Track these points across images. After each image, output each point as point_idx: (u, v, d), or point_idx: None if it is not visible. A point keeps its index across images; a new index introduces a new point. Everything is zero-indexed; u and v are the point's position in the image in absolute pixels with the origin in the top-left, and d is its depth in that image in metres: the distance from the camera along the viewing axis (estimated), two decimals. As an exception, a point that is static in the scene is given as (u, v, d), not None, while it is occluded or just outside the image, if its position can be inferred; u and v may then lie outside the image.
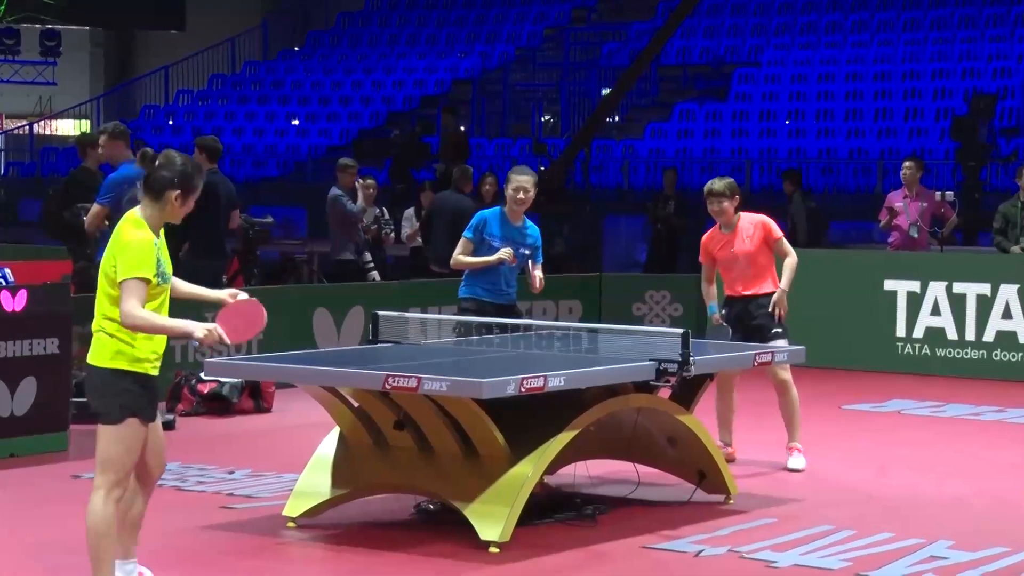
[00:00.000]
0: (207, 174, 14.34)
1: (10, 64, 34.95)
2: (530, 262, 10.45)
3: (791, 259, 10.79)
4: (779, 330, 10.63)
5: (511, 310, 10.58)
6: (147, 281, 6.56)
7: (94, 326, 6.72)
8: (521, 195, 10.37)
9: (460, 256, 10.49)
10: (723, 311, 10.82)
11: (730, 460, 10.69)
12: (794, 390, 10.69)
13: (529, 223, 10.61)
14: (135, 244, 6.61)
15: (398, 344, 9.66)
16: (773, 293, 10.70)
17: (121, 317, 6.54)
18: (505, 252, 10.27)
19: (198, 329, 6.61)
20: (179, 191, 6.72)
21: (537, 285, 10.45)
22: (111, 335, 6.63)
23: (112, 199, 12.47)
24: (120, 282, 6.56)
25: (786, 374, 10.64)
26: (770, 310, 10.62)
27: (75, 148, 18.04)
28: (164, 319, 6.67)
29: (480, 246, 10.38)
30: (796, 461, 10.63)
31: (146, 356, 6.68)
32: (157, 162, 6.82)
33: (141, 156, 6.72)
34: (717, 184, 10.75)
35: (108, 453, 6.68)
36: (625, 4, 32.21)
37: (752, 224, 10.73)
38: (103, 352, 6.65)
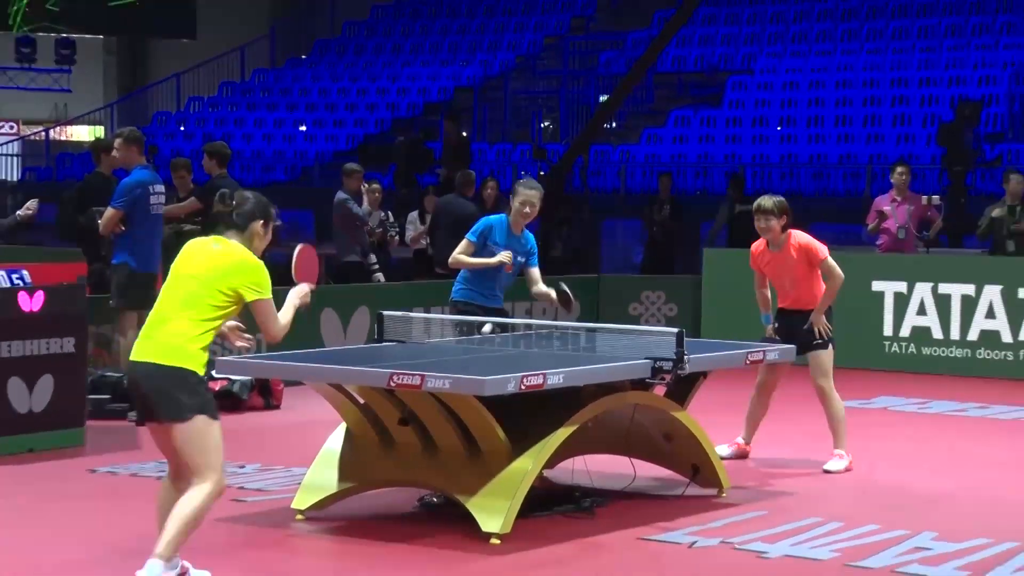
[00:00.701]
0: (217, 178, 14.54)
1: (26, 72, 35.00)
2: (528, 268, 10.47)
3: (833, 281, 10.56)
4: (819, 342, 10.53)
5: (500, 314, 10.62)
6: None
7: (166, 328, 6.82)
8: (528, 209, 10.36)
9: (460, 256, 10.47)
10: (775, 323, 10.76)
11: (743, 456, 10.77)
12: (834, 398, 10.57)
13: (527, 233, 10.59)
14: (264, 269, 6.97)
15: (402, 343, 9.70)
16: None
17: (274, 334, 7.05)
18: (505, 255, 10.28)
19: (304, 298, 7.35)
20: (262, 221, 7.07)
21: (554, 297, 10.44)
22: (190, 339, 6.78)
23: (126, 203, 12.54)
24: (263, 301, 6.94)
25: (822, 381, 10.56)
26: (806, 329, 10.55)
27: (89, 153, 18.08)
28: (288, 314, 7.16)
29: (482, 251, 10.38)
30: (831, 464, 10.51)
31: (204, 362, 6.85)
32: (234, 202, 7.11)
33: (219, 197, 6.93)
34: (767, 201, 10.51)
35: (202, 454, 6.79)
36: (622, 13, 32.23)
37: (796, 248, 10.54)
38: (179, 354, 6.77)
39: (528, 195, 10.37)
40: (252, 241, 7.05)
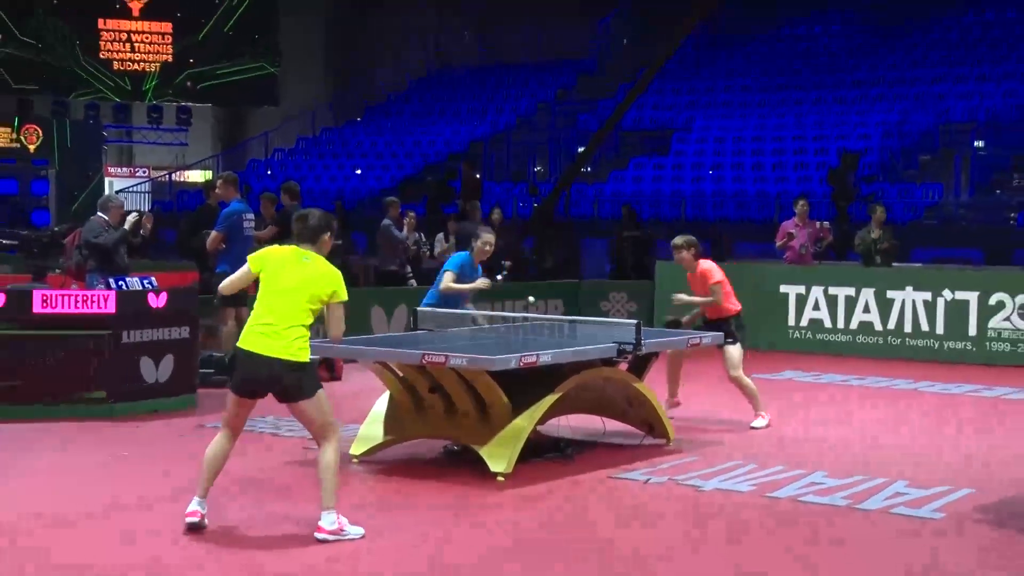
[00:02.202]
0: (289, 207, 14.50)
1: (155, 131, 35.10)
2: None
3: (715, 298, 10.44)
4: (730, 340, 10.43)
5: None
6: None
7: (290, 332, 6.60)
8: (488, 248, 10.52)
9: (453, 284, 10.39)
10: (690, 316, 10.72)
11: (676, 406, 10.72)
12: (745, 381, 10.47)
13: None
14: (342, 278, 6.76)
15: (431, 331, 9.69)
16: (726, 317, 10.48)
17: (336, 333, 6.84)
18: (483, 282, 10.45)
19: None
20: (328, 232, 6.84)
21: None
22: (303, 337, 6.64)
23: (226, 227, 12.53)
24: (339, 304, 6.74)
25: (732, 372, 10.45)
26: (675, 303, 10.56)
27: (201, 191, 18.07)
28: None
29: (463, 279, 10.45)
30: (757, 422, 10.45)
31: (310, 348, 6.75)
32: (302, 219, 6.82)
33: (284, 215, 6.84)
34: (678, 240, 10.56)
35: (323, 416, 6.69)
36: (595, 86, 32.22)
37: (701, 273, 10.54)
38: (302, 351, 6.63)
39: (489, 239, 10.54)
40: (322, 249, 6.83)
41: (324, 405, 6.71)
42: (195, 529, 6.75)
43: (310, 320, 6.70)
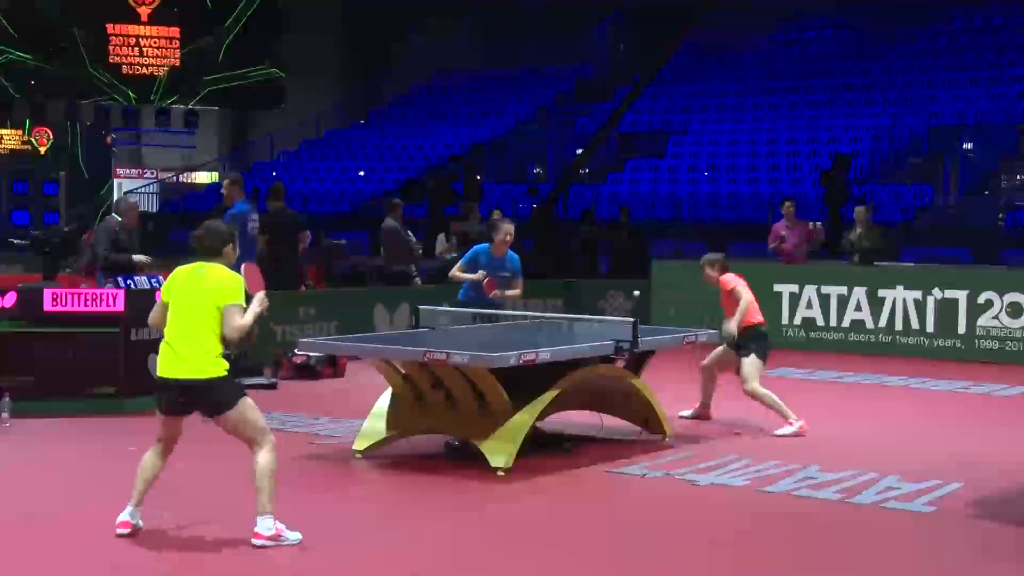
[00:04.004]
0: (276, 208, 14.37)
1: (163, 132, 35.12)
2: (513, 281, 10.60)
3: (741, 303, 10.13)
4: (745, 351, 10.12)
5: (496, 308, 10.65)
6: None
7: (198, 349, 6.36)
8: (508, 238, 10.50)
9: (456, 272, 10.63)
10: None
11: (706, 418, 10.44)
12: (760, 393, 10.04)
13: (510, 254, 10.59)
14: (239, 281, 6.51)
15: (433, 329, 9.66)
16: (745, 328, 10.11)
17: (229, 332, 6.35)
18: (481, 274, 10.41)
19: (264, 303, 6.56)
20: (229, 244, 6.59)
21: (497, 292, 10.50)
22: (212, 352, 6.38)
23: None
24: (230, 305, 6.37)
25: (746, 387, 10.08)
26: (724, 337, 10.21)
27: (209, 190, 18.04)
28: (249, 318, 6.46)
29: (471, 270, 10.51)
30: (783, 429, 9.93)
31: (225, 362, 6.46)
32: (198, 239, 6.55)
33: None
34: (701, 260, 10.41)
35: (251, 424, 6.44)
36: (592, 90, 32.20)
37: (724, 290, 10.28)
38: (215, 366, 6.37)
39: (508, 228, 10.55)
40: (228, 260, 6.56)
41: (249, 413, 6.42)
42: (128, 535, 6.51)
43: (214, 329, 6.37)
